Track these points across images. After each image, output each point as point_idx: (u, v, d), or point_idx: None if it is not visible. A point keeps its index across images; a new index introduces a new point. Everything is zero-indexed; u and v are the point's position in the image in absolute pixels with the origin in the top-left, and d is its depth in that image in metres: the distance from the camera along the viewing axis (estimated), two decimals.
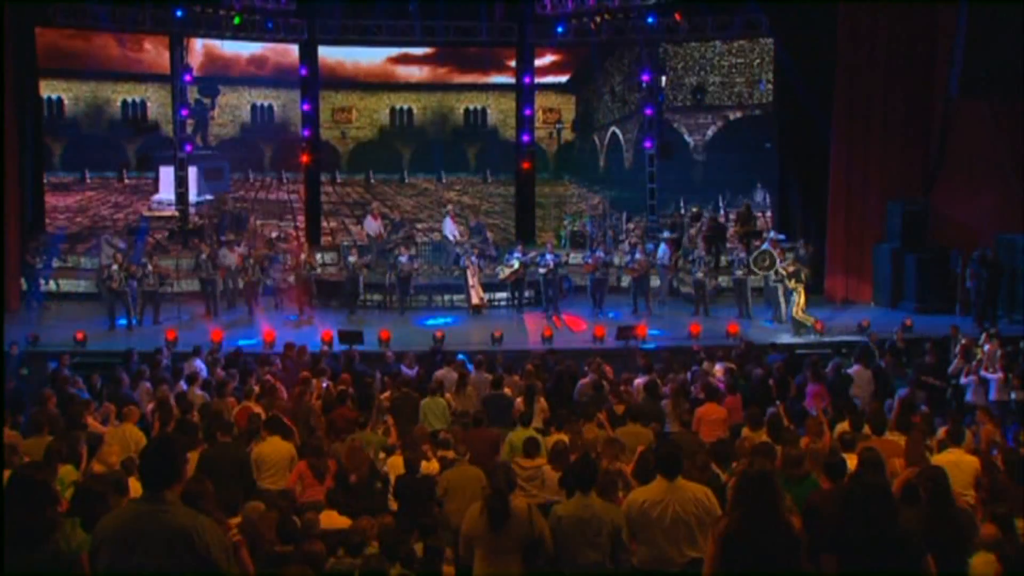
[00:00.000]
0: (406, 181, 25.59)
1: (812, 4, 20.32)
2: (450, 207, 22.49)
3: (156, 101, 23.57)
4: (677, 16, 21.62)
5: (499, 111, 25.26)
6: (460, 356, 13.77)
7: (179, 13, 21.01)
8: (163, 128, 23.42)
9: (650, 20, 21.83)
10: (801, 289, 16.99)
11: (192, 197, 23.11)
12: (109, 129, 23.38)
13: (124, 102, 23.50)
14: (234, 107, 24.33)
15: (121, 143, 23.52)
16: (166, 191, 23.36)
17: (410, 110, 25.46)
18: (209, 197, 23.31)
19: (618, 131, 25.12)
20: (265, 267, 19.07)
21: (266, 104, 24.77)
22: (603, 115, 25.59)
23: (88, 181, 23.14)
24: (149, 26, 21.40)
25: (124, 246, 19.49)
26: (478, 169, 25.67)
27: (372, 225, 21.45)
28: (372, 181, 25.39)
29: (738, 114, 23.85)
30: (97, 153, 23.18)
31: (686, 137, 24.07)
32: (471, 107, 25.49)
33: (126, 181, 23.54)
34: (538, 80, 24.39)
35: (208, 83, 22.69)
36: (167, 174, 23.22)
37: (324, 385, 11.87)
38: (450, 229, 21.60)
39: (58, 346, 15.43)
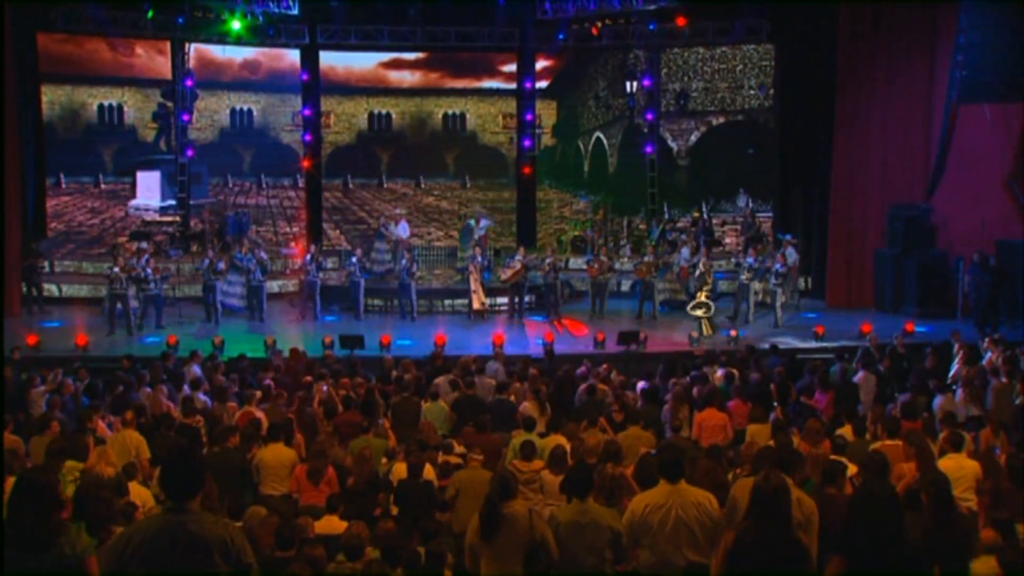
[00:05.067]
0: (384, 186, 25.55)
1: (813, 8, 20.37)
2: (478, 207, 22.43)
3: (133, 105, 23.45)
4: (680, 21, 21.63)
5: (478, 116, 25.24)
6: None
7: (180, 19, 21.08)
8: (140, 132, 23.38)
9: (651, 26, 21.87)
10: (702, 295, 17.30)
11: (158, 202, 23.06)
12: (85, 133, 23.24)
13: (100, 106, 23.34)
14: (213, 111, 24.22)
15: (97, 148, 23.39)
16: (144, 196, 23.26)
17: (388, 115, 25.40)
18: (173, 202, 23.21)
19: (602, 136, 25.15)
20: (267, 271, 19.07)
21: (246, 108, 24.66)
22: (587, 120, 25.60)
23: (63, 186, 22.95)
24: (150, 32, 21.46)
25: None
26: (457, 174, 25.64)
27: (405, 228, 21.45)
28: (350, 186, 25.36)
29: (721, 119, 23.96)
30: (73, 158, 22.97)
31: (670, 142, 24.14)
32: (450, 112, 25.44)
33: (102, 186, 23.38)
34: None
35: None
36: (145, 179, 23.15)
37: (324, 389, 11.87)
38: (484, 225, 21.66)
39: (59, 351, 15.46)
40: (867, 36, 19.77)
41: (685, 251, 19.99)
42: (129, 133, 23.47)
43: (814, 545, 5.53)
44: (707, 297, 17.56)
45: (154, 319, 18.09)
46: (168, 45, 22.26)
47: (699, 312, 17.33)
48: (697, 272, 17.75)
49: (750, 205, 23.22)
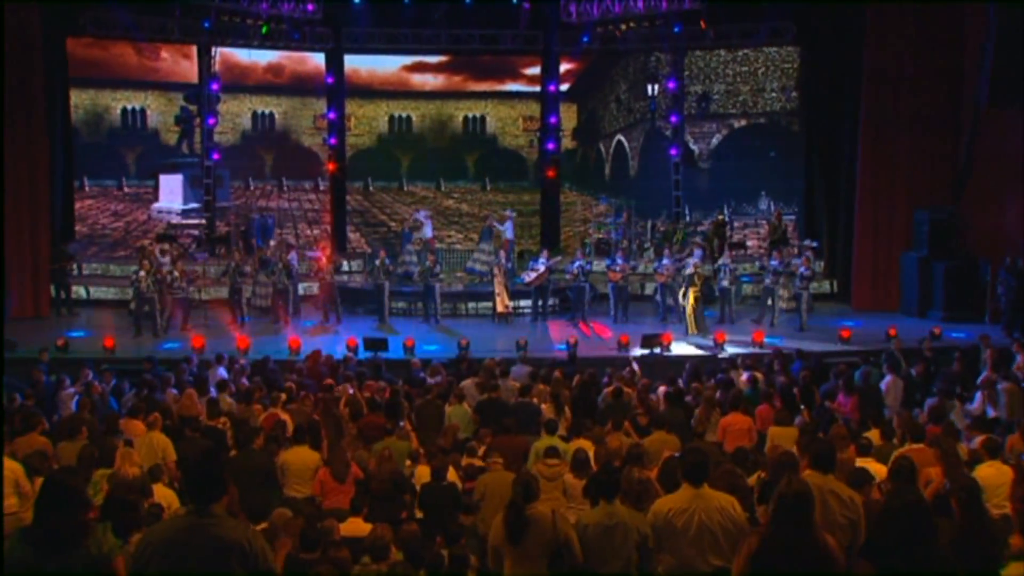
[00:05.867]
0: (405, 189, 25.66)
1: (838, 10, 20.25)
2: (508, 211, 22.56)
3: (156, 109, 23.61)
4: (703, 23, 21.58)
5: (498, 119, 25.31)
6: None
7: (207, 24, 21.24)
8: (163, 136, 23.55)
9: (676, 29, 21.82)
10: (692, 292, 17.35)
11: (180, 205, 23.21)
12: (108, 137, 23.42)
13: (124, 110, 23.52)
14: (235, 114, 24.36)
15: (121, 151, 23.57)
16: (166, 199, 23.45)
17: (409, 118, 25.53)
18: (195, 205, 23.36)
19: (624, 139, 25.14)
20: (293, 274, 19.14)
21: (267, 111, 24.80)
22: (608, 123, 25.62)
23: (87, 189, 23.13)
24: (177, 36, 21.65)
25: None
26: (477, 177, 25.72)
27: (429, 228, 21.48)
28: (371, 188, 25.49)
29: (743, 122, 23.89)
30: (96, 161, 23.14)
31: (691, 145, 24.11)
32: (470, 115, 25.55)
33: (126, 189, 23.57)
34: (539, 89, 24.34)
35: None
36: (167, 182, 23.34)
37: (350, 392, 11.90)
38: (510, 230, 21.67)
39: (87, 353, 15.60)
40: (893, 38, 19.61)
41: (698, 253, 19.80)
42: (152, 136, 23.67)
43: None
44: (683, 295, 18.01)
45: (180, 321, 18.21)
46: (193, 49, 22.43)
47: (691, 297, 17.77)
48: (688, 270, 17.71)
49: (772, 208, 23.13)
